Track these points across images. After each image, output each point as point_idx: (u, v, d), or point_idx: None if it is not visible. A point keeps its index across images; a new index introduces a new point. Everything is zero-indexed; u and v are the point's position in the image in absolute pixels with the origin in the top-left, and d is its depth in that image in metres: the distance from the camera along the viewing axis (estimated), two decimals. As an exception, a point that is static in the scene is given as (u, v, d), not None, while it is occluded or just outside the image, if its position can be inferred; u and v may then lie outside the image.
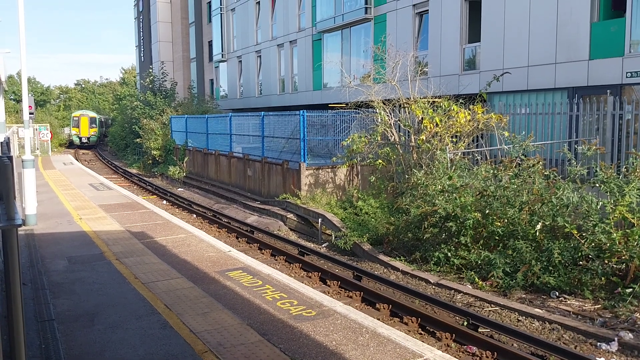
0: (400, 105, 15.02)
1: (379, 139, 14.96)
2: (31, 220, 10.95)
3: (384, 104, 15.07)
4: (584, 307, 8.00)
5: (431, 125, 13.26)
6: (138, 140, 33.76)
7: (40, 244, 9.37)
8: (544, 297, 8.53)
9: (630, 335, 6.87)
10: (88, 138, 54.13)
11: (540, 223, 9.21)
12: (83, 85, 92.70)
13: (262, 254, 12.25)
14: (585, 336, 7.04)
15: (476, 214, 9.78)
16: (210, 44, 42.47)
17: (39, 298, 6.44)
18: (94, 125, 54.54)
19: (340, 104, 17.00)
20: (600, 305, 7.97)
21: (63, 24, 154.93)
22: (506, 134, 12.63)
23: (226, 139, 22.81)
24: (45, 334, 5.36)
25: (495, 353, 6.56)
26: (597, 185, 9.01)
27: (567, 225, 8.68)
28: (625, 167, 9.64)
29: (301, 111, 16.73)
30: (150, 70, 39.66)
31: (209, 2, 41.77)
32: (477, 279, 9.29)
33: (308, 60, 27.48)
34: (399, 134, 15.13)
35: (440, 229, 10.47)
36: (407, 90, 15.29)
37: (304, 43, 27.81)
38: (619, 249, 8.07)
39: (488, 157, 13.05)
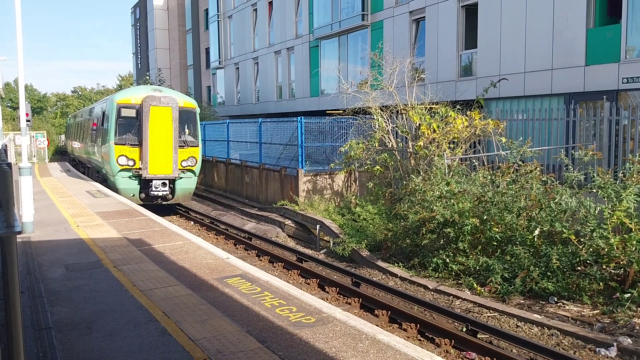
0: (397, 112, 15.07)
1: (376, 145, 14.99)
2: (28, 227, 10.90)
3: (382, 110, 15.12)
4: (582, 313, 8.00)
5: (428, 131, 13.30)
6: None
7: (37, 251, 9.32)
8: (543, 302, 8.53)
9: (629, 340, 6.87)
10: (171, 183, 17.40)
11: (538, 228, 9.22)
12: (80, 93, 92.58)
13: (261, 260, 12.23)
14: (584, 341, 7.04)
15: (474, 220, 9.79)
16: (207, 50, 42.56)
17: (36, 306, 6.40)
18: (191, 143, 17.76)
19: (338, 110, 17.04)
20: (598, 311, 7.97)
21: (60, 31, 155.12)
22: (503, 139, 12.66)
23: (224, 145, 22.83)
24: (42, 342, 5.32)
25: (495, 359, 6.54)
26: (595, 190, 9.03)
27: (565, 230, 8.69)
28: (622, 173, 9.68)
29: (299, 117, 16.77)
30: (147, 77, 39.70)
31: (206, 10, 41.89)
32: (475, 285, 9.28)
33: (305, 67, 27.55)
34: (396, 140, 15.15)
35: (439, 235, 10.47)
36: (404, 96, 15.34)
37: (301, 50, 27.89)
38: (617, 254, 8.08)
39: (485, 163, 13.08)
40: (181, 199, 18.03)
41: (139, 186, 17.17)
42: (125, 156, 16.88)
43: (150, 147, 16.61)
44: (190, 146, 17.63)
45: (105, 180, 19.57)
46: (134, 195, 17.05)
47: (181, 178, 17.45)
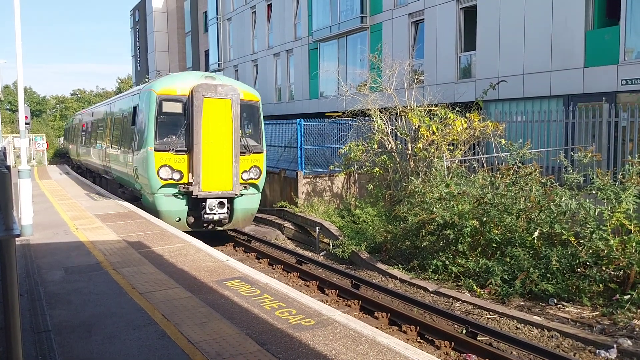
0: (397, 114, 15.08)
1: (376, 147, 15.00)
2: (27, 230, 10.88)
3: (381, 112, 15.13)
4: (582, 314, 8.00)
5: (428, 133, 13.31)
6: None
7: (36, 254, 9.31)
8: (542, 304, 8.52)
9: (629, 342, 6.86)
10: (228, 202, 12.88)
11: (538, 230, 9.22)
12: (79, 95, 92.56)
13: (260, 263, 12.21)
14: (584, 343, 7.04)
15: (474, 222, 9.79)
16: (206, 53, 42.58)
17: (35, 309, 6.39)
18: (254, 148, 13.37)
19: (337, 112, 17.06)
20: (598, 312, 7.97)
21: (59, 33, 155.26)
22: (502, 141, 12.68)
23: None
24: (41, 345, 5.30)
25: (495, 361, 6.54)
26: (594, 192, 9.04)
27: (564, 232, 8.69)
28: (621, 174, 9.69)
29: (298, 120, 16.79)
30: (147, 80, 39.69)
31: (205, 12, 41.92)
32: (475, 287, 9.28)
33: (304, 69, 27.57)
34: (395, 142, 15.16)
35: (438, 236, 10.47)
36: (403, 98, 15.35)
37: (300, 52, 27.92)
38: (616, 256, 8.09)
39: (485, 165, 13.09)
40: (241, 222, 13.53)
41: (187, 207, 12.72)
42: (169, 167, 12.42)
43: (203, 155, 12.22)
44: (253, 152, 13.25)
45: (135, 198, 14.73)
46: (179, 219, 12.71)
47: (242, 195, 12.99)
